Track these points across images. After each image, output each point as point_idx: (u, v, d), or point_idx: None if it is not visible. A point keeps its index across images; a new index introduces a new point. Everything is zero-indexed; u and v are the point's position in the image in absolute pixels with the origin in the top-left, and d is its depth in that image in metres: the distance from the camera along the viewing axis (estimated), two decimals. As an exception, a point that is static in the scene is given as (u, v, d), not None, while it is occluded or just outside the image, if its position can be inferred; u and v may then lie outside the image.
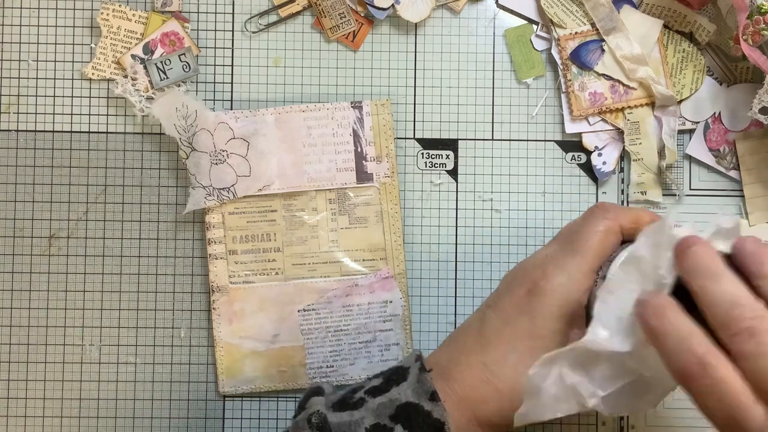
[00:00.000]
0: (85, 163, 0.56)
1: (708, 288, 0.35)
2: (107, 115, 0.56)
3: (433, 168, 0.57)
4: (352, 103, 0.55)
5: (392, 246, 0.55)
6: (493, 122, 0.57)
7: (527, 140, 0.57)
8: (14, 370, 0.56)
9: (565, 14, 0.55)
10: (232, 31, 0.57)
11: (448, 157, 0.57)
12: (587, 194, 0.56)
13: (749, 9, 0.51)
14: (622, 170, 0.56)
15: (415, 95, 0.57)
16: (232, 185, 0.55)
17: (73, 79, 0.56)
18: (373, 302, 0.55)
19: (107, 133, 0.56)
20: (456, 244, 0.56)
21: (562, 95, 0.56)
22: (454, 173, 0.57)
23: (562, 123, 0.56)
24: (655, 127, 0.56)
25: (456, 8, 0.56)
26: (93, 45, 0.56)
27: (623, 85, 0.55)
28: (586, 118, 0.56)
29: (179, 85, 0.56)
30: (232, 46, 0.57)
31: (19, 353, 0.56)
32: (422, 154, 0.56)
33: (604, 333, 0.40)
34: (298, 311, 0.55)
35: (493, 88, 0.57)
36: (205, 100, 0.56)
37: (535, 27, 0.56)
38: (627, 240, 0.46)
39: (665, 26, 0.55)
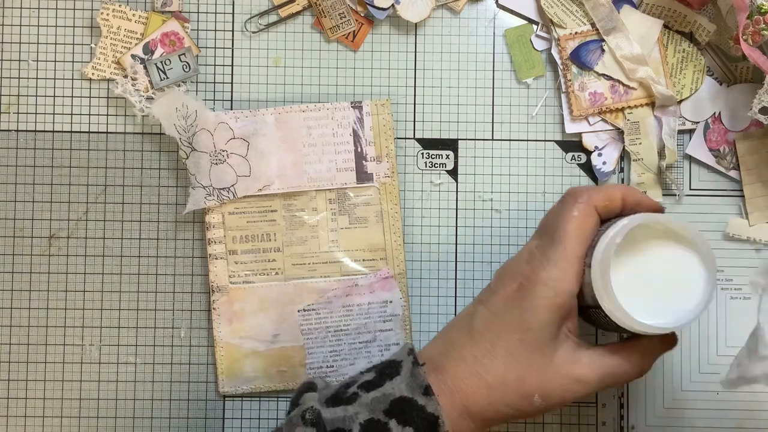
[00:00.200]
0: (85, 163, 0.56)
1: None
2: (107, 115, 0.56)
3: (433, 168, 0.56)
4: (352, 103, 0.55)
5: (392, 246, 0.55)
6: (493, 122, 0.57)
7: (527, 140, 0.57)
8: (14, 370, 0.56)
9: (565, 14, 0.55)
10: (232, 31, 0.57)
11: (448, 157, 0.57)
12: (587, 194, 0.56)
13: (749, 9, 0.51)
14: (622, 170, 0.56)
15: (415, 95, 0.57)
16: (232, 185, 0.54)
17: (73, 79, 0.56)
18: (373, 302, 0.55)
19: (107, 133, 0.56)
20: (456, 244, 0.56)
21: (562, 95, 0.56)
22: (454, 173, 0.57)
23: (562, 123, 0.56)
24: (655, 127, 0.56)
25: (456, 8, 0.56)
26: (93, 45, 0.56)
27: (623, 85, 0.55)
28: (586, 118, 0.56)
29: (179, 85, 0.56)
30: (232, 46, 0.57)
31: (19, 353, 0.56)
32: (422, 154, 0.56)
33: None
34: (298, 311, 0.55)
35: (493, 88, 0.57)
36: (205, 100, 0.56)
37: (535, 27, 0.56)
38: (605, 219, 0.46)
39: (665, 26, 0.55)
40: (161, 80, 0.55)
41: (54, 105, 0.56)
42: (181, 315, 0.56)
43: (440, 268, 0.56)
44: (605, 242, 0.44)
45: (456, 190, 0.56)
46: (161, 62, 0.55)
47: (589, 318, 0.48)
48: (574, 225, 0.45)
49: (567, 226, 0.45)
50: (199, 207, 0.55)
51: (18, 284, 0.56)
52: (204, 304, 0.56)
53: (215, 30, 0.57)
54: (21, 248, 0.56)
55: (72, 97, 0.56)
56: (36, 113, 0.56)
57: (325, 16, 0.56)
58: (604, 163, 0.56)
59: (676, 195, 0.56)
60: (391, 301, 0.55)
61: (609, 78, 0.55)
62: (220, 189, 0.54)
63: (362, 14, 0.56)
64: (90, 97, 0.56)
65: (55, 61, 0.56)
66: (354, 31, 0.56)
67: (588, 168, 0.56)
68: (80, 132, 0.56)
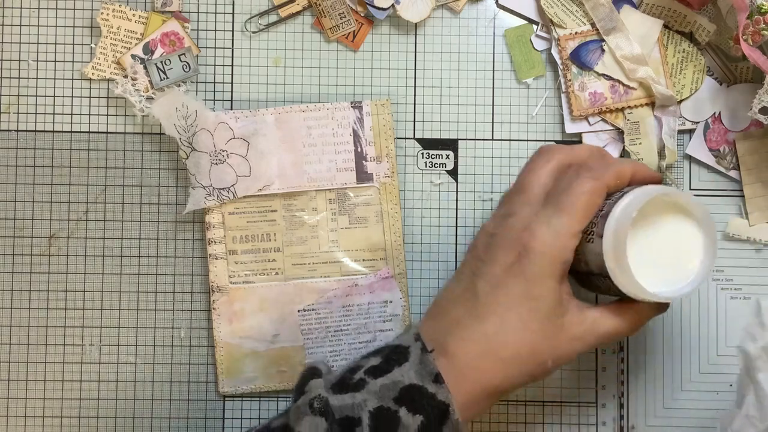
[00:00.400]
0: (85, 163, 0.56)
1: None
2: (107, 115, 0.56)
3: (433, 168, 0.57)
4: (352, 103, 0.55)
5: (392, 246, 0.55)
6: (493, 122, 0.57)
7: (527, 140, 0.57)
8: (14, 370, 0.56)
9: (565, 14, 0.55)
10: (232, 31, 0.57)
11: (448, 157, 0.57)
12: (587, 194, 0.56)
13: (749, 9, 0.51)
14: (622, 170, 0.56)
15: (415, 95, 0.57)
16: (232, 185, 0.54)
17: (73, 79, 0.56)
18: (373, 302, 0.55)
19: (107, 133, 0.56)
20: (456, 244, 0.56)
21: (562, 95, 0.56)
22: (454, 173, 0.57)
23: (562, 123, 0.56)
24: (655, 127, 0.56)
25: (456, 8, 0.56)
26: (93, 45, 0.56)
27: (623, 85, 0.55)
28: (586, 118, 0.56)
29: (179, 85, 0.56)
30: (232, 46, 0.57)
31: (19, 353, 0.56)
32: (422, 154, 0.56)
33: None
34: (298, 311, 0.55)
35: (493, 88, 0.57)
36: (205, 100, 0.56)
37: (535, 27, 0.56)
38: (610, 193, 0.47)
39: (665, 26, 0.55)
40: (161, 80, 0.55)
41: (54, 105, 0.56)
42: (181, 315, 0.56)
43: (440, 268, 0.56)
44: (618, 214, 0.45)
45: (456, 190, 0.56)
46: (161, 62, 0.55)
47: (589, 284, 0.49)
48: (584, 200, 0.45)
49: (578, 202, 0.45)
50: (199, 207, 0.55)
51: (18, 284, 0.56)
52: (204, 304, 0.56)
53: (215, 30, 0.57)
54: (21, 248, 0.56)
55: (72, 97, 0.56)
56: (36, 113, 0.56)
57: (325, 16, 0.56)
58: (604, 163, 0.56)
59: (676, 195, 0.56)
60: (391, 301, 0.55)
61: (609, 78, 0.55)
62: (220, 189, 0.54)
63: (362, 14, 0.56)
64: (90, 97, 0.56)
65: (55, 61, 0.56)
66: (354, 31, 0.56)
67: (588, 168, 0.56)
68: (80, 132, 0.56)
